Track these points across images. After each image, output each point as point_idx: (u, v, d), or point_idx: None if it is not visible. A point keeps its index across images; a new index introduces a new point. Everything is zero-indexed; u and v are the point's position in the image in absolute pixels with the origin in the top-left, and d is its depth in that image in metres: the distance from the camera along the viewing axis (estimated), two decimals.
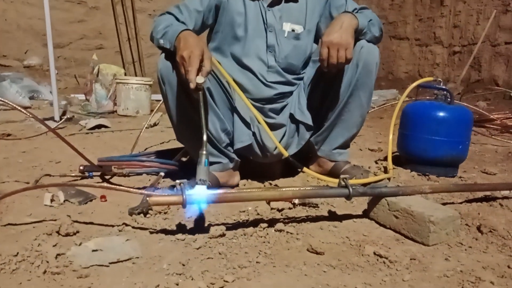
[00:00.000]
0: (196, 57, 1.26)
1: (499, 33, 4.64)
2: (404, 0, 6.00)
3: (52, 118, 3.05)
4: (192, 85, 1.25)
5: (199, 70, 1.27)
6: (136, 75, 5.63)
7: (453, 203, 1.48)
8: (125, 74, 4.37)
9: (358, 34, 1.52)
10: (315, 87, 1.68)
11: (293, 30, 1.64)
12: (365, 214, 1.34)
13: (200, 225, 1.21)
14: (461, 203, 1.48)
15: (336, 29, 1.43)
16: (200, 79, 1.25)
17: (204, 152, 1.18)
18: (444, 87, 1.89)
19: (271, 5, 1.62)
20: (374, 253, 1.07)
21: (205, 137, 1.21)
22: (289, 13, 1.64)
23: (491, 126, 3.09)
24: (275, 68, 1.64)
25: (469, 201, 1.50)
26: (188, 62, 1.26)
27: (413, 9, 5.86)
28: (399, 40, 6.11)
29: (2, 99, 1.65)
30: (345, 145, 1.75)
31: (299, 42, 1.66)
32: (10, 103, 1.62)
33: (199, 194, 1.12)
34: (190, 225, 1.21)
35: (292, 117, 1.68)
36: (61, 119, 3.03)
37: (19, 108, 1.59)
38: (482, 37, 4.56)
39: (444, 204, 1.43)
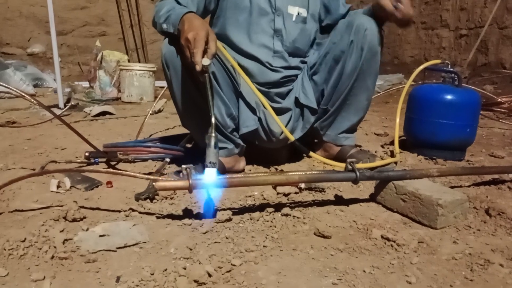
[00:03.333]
0: (202, 39, 1.23)
1: (507, 16, 4.55)
2: None
3: (56, 106, 3.05)
4: (198, 67, 1.23)
5: (204, 52, 1.25)
6: (139, 62, 5.61)
7: (461, 186, 1.47)
8: (129, 61, 4.34)
9: None
10: (319, 70, 1.66)
11: (299, 14, 1.61)
12: (372, 198, 1.34)
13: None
14: (469, 186, 1.47)
15: None
16: (206, 61, 1.23)
17: (213, 135, 1.17)
18: (452, 69, 1.86)
19: None
20: (382, 237, 1.06)
21: (213, 120, 1.20)
22: None
23: (498, 109, 3.06)
24: (281, 53, 1.61)
25: (477, 184, 1.49)
26: (193, 44, 1.24)
27: None
28: None
29: (8, 86, 1.65)
30: (351, 130, 1.73)
31: (306, 26, 1.64)
32: (16, 90, 1.61)
33: (205, 179, 1.12)
34: (196, 210, 1.21)
35: (296, 101, 1.67)
36: (65, 106, 3.03)
37: (24, 95, 1.59)
38: (489, 20, 4.49)
39: (452, 187, 1.42)
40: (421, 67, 1.94)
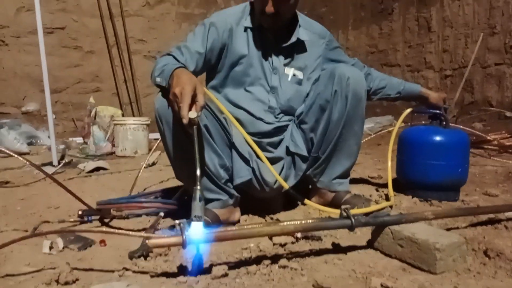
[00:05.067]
0: (188, 93, 1.25)
1: (488, 55, 4.73)
2: (392, 29, 6.15)
3: (50, 163, 3.05)
4: (184, 121, 1.24)
5: (192, 105, 1.28)
6: (133, 115, 5.68)
7: (457, 228, 1.46)
8: (123, 115, 4.40)
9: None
10: (306, 120, 1.71)
11: (294, 75, 1.68)
12: (370, 245, 1.32)
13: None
14: (465, 227, 1.47)
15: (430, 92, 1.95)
16: (192, 114, 1.25)
17: (198, 188, 1.17)
18: (438, 111, 1.90)
19: (279, 51, 1.68)
20: (381, 285, 1.04)
21: (198, 172, 1.20)
22: (296, 61, 1.70)
23: (489, 147, 3.10)
24: (274, 110, 1.66)
25: (474, 225, 1.48)
26: (180, 99, 1.26)
27: (402, 36, 6.00)
28: (390, 67, 6.22)
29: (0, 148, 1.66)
30: (344, 175, 1.74)
31: (300, 87, 1.70)
32: (7, 151, 1.62)
33: (199, 234, 1.11)
34: (191, 266, 1.18)
35: (287, 149, 1.69)
36: (59, 163, 3.03)
37: (15, 155, 1.59)
38: (472, 60, 4.65)
39: (448, 229, 1.41)
40: (408, 110, 1.99)
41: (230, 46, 1.64)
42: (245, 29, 1.65)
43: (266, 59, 1.67)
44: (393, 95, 1.91)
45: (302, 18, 1.73)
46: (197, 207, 1.14)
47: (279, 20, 1.59)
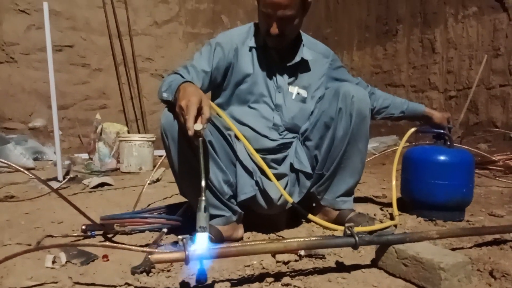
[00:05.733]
0: (193, 105, 1.27)
1: (493, 77, 4.74)
2: (397, 50, 6.19)
3: (55, 178, 3.06)
4: (190, 132, 1.25)
5: (198, 117, 1.29)
6: (139, 132, 5.72)
7: (462, 248, 1.45)
8: (128, 132, 4.43)
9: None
10: (310, 137, 1.71)
11: (298, 94, 1.70)
12: (374, 263, 1.31)
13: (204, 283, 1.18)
14: (470, 247, 1.45)
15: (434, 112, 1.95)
16: (198, 126, 1.26)
17: (203, 199, 1.17)
18: (442, 131, 1.91)
19: (283, 70, 1.71)
20: None
21: (203, 183, 1.20)
22: (300, 80, 1.72)
23: (494, 167, 3.08)
24: (278, 127, 1.68)
25: (479, 245, 1.47)
26: (186, 111, 1.27)
27: (406, 57, 6.04)
28: (395, 88, 6.24)
29: (5, 162, 1.67)
30: (348, 193, 1.74)
31: (305, 105, 1.72)
32: (13, 165, 1.63)
33: (202, 250, 1.10)
34: (193, 282, 1.18)
35: (291, 166, 1.69)
36: (64, 178, 3.04)
37: (21, 169, 1.60)
38: (476, 81, 4.67)
39: (453, 249, 1.40)
40: (412, 130, 1.99)
41: (235, 65, 1.67)
42: (250, 48, 1.68)
43: (271, 78, 1.69)
44: (397, 114, 1.92)
45: (306, 38, 1.76)
46: (202, 218, 1.14)
47: (283, 40, 1.62)
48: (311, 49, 1.75)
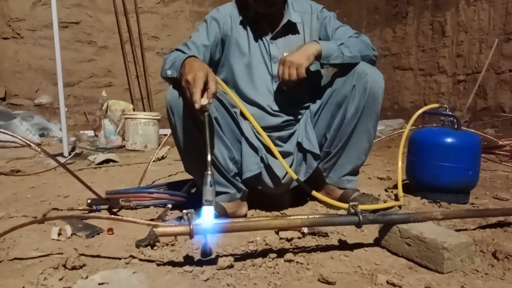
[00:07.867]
0: (200, 79, 1.27)
1: (503, 61, 4.67)
2: (406, 32, 6.11)
3: (61, 154, 3.08)
4: (196, 105, 1.25)
5: (204, 92, 1.29)
6: (144, 111, 5.72)
7: (466, 229, 1.45)
8: (134, 110, 4.44)
9: (325, 59, 1.59)
10: (321, 116, 1.70)
11: None
12: (377, 243, 1.31)
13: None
14: (474, 229, 1.45)
15: (294, 51, 1.58)
16: (204, 101, 1.26)
17: (209, 173, 1.18)
18: (450, 113, 1.89)
19: (274, 38, 1.70)
20: (387, 282, 1.03)
21: (209, 157, 1.21)
22: (290, 45, 1.70)
23: (501, 152, 3.06)
24: (279, 97, 1.67)
25: (483, 227, 1.46)
26: (192, 85, 1.27)
27: (415, 40, 5.96)
28: (403, 71, 6.18)
29: (13, 135, 1.68)
30: (353, 172, 1.73)
31: None
32: (21, 139, 1.64)
33: (206, 224, 1.11)
34: (198, 256, 1.19)
35: (299, 145, 1.69)
36: (70, 155, 3.06)
37: (29, 143, 1.61)
38: (485, 66, 4.60)
39: (457, 230, 1.40)
40: (420, 111, 1.97)
41: (231, 37, 1.70)
42: (241, 22, 1.71)
43: (265, 49, 1.70)
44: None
45: (294, 1, 1.77)
46: (208, 191, 1.15)
47: (272, 4, 1.64)
48: (297, 11, 1.76)
